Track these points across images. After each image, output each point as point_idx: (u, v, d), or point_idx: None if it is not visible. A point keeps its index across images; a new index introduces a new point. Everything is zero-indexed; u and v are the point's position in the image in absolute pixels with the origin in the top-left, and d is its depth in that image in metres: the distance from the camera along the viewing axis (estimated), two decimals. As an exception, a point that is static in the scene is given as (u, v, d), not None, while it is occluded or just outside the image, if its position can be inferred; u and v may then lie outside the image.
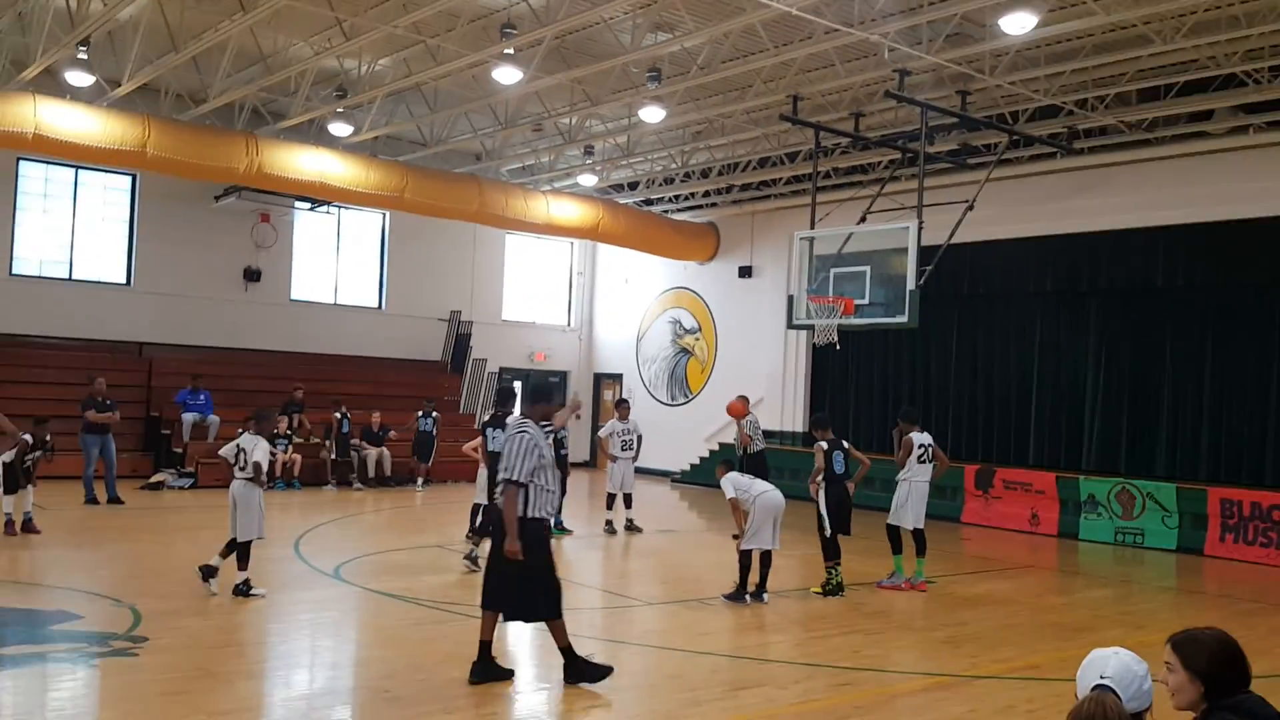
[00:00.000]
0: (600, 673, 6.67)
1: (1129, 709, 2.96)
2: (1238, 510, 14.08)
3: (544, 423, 6.92)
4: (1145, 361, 16.58)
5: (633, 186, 21.77)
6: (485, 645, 6.66)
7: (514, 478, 6.43)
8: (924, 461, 10.77)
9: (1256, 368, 15.43)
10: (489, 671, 6.65)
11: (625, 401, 14.73)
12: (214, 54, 14.49)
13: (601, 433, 14.47)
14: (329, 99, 16.09)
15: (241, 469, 8.91)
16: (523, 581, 6.52)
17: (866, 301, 13.42)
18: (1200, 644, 3.17)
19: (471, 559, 10.58)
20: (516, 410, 11.57)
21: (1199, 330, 16.05)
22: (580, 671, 6.64)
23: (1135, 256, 16.38)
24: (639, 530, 14.12)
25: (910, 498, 10.65)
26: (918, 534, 10.64)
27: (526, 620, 6.87)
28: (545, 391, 7.19)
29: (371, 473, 18.60)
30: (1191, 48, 12.08)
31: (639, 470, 14.68)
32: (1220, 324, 15.84)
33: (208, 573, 8.85)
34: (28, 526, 11.71)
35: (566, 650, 6.67)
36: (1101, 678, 3.05)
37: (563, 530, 13.44)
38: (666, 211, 23.04)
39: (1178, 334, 16.30)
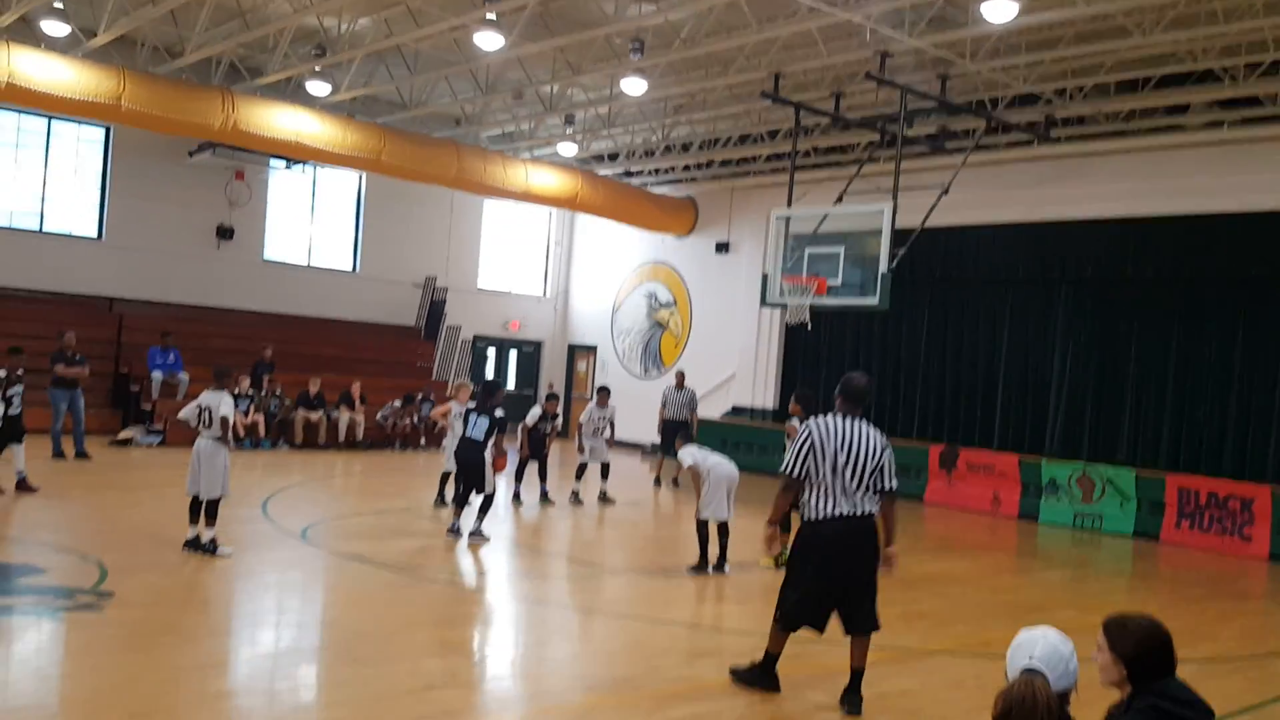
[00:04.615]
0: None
1: (1056, 688, 3.09)
2: (1194, 498, 14.37)
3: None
4: (1111, 349, 16.83)
5: (613, 157, 21.72)
6: (773, 658, 6.29)
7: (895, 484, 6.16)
8: None
9: (1219, 360, 15.69)
10: (765, 680, 6.28)
11: (606, 389, 14.76)
12: (192, 7, 14.31)
13: (581, 418, 14.58)
14: (307, 57, 15.93)
15: (207, 426, 8.91)
16: (865, 589, 6.17)
17: (839, 282, 13.53)
18: (1128, 630, 3.31)
19: (455, 530, 10.63)
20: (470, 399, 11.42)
21: (1165, 321, 16.29)
22: (857, 701, 6.05)
23: (1106, 246, 16.58)
24: (611, 502, 14.25)
25: None
26: None
27: (869, 632, 6.17)
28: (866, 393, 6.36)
29: (343, 437, 18.61)
30: (1170, 41, 12.20)
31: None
32: (1186, 316, 16.09)
33: (196, 545, 8.85)
34: (22, 485, 11.24)
35: (859, 673, 6.11)
36: (1030, 659, 3.18)
37: (547, 501, 13.60)
38: (645, 184, 23.02)
39: (1144, 324, 16.53)
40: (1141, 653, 3.25)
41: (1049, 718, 2.99)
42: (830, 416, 6.16)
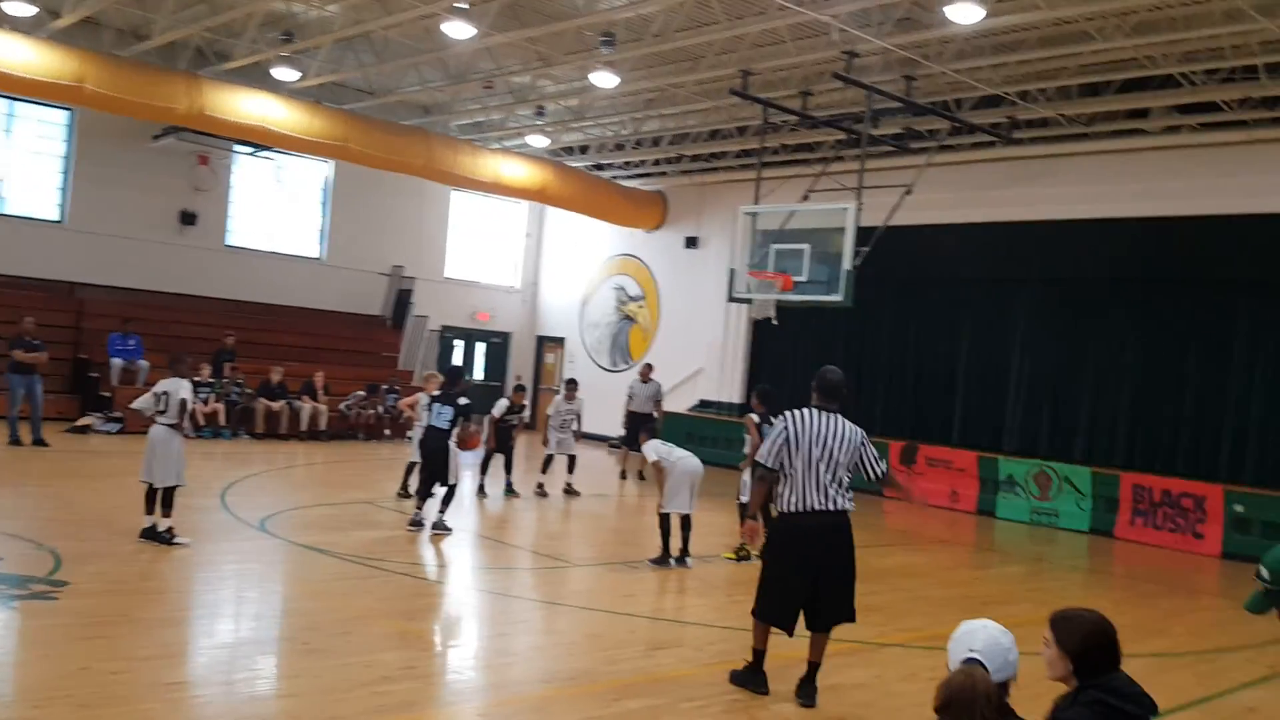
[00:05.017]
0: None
1: (996, 679, 3.16)
2: (1148, 496, 14.63)
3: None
4: (1069, 349, 17.05)
5: (583, 150, 21.72)
6: (760, 654, 6.25)
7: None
8: None
9: (1175, 360, 15.93)
10: (753, 680, 6.23)
11: (574, 382, 14.81)
12: (158, -10, 14.19)
13: (548, 410, 14.60)
14: (275, 42, 15.81)
15: (162, 413, 8.82)
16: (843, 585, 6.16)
17: (805, 279, 13.65)
18: (1074, 625, 3.36)
19: (417, 523, 10.59)
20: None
21: (1122, 322, 16.52)
22: (812, 692, 6.11)
23: (1066, 247, 16.77)
24: (577, 495, 14.27)
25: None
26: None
27: (842, 623, 6.22)
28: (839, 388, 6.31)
29: (305, 427, 18.50)
30: (1131, 47, 12.38)
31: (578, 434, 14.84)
32: (1143, 317, 16.33)
33: (152, 535, 8.76)
34: None
35: (816, 666, 6.17)
36: (970, 651, 3.24)
37: (512, 493, 13.61)
38: (616, 178, 23.04)
39: (1102, 324, 16.76)
40: (1087, 648, 3.30)
41: (988, 707, 3.04)
42: (806, 410, 6.16)
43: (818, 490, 6.01)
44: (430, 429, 10.73)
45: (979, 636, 3.28)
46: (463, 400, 10.69)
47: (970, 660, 3.21)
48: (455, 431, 10.63)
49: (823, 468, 6.02)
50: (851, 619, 6.21)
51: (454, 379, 11.05)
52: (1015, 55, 13.06)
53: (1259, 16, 10.79)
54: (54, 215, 19.17)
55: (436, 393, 11.13)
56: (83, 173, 19.18)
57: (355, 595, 7.89)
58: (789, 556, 6.12)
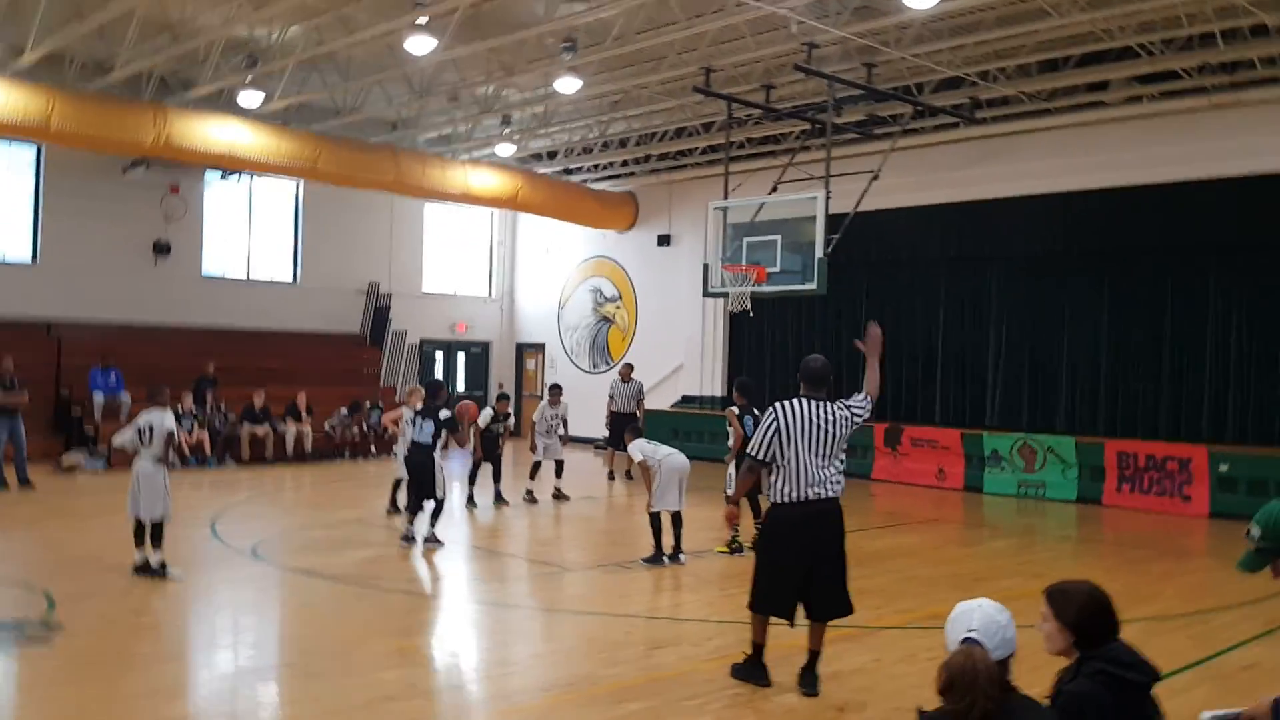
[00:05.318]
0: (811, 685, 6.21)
1: (995, 657, 3.19)
2: (1133, 461, 14.79)
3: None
4: (1045, 322, 17.21)
5: (551, 156, 21.72)
6: (760, 647, 6.29)
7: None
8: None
9: (1150, 326, 16.11)
10: (755, 673, 6.28)
11: (558, 387, 14.82)
12: (120, 22, 14.08)
13: (534, 417, 14.63)
14: (239, 68, 15.75)
15: (147, 445, 8.76)
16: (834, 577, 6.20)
17: (778, 269, 13.74)
18: (1070, 597, 3.41)
19: (408, 537, 10.61)
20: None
21: (1096, 291, 16.70)
22: (813, 680, 6.18)
23: (1035, 222, 16.93)
24: (566, 499, 14.29)
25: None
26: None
27: (841, 617, 6.26)
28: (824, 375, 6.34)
29: (291, 450, 18.44)
30: (1088, 20, 12.48)
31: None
32: (1116, 284, 16.51)
33: (145, 569, 8.72)
34: None
35: (816, 655, 6.23)
36: (968, 631, 3.27)
37: (501, 502, 13.60)
38: (585, 181, 23.07)
39: (1075, 295, 16.93)
40: (1085, 619, 3.35)
41: (990, 685, 3.06)
42: (794, 400, 6.19)
43: (810, 480, 6.06)
44: (414, 444, 10.74)
45: (975, 616, 3.31)
46: (444, 413, 10.70)
47: (968, 640, 3.24)
48: (441, 445, 10.64)
49: (815, 457, 6.06)
50: (847, 613, 6.24)
51: (434, 392, 11.03)
52: (973, 36, 13.16)
53: (1211, -17, 10.92)
54: (26, 256, 19.01)
55: (419, 407, 11.13)
56: (53, 209, 19.04)
57: (351, 616, 7.90)
58: (781, 547, 6.17)
